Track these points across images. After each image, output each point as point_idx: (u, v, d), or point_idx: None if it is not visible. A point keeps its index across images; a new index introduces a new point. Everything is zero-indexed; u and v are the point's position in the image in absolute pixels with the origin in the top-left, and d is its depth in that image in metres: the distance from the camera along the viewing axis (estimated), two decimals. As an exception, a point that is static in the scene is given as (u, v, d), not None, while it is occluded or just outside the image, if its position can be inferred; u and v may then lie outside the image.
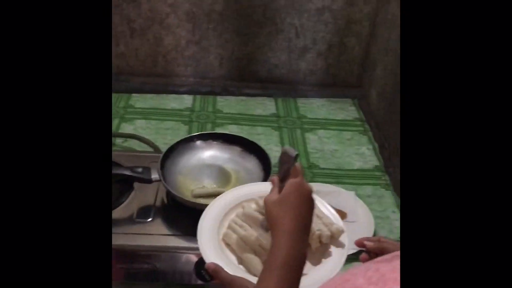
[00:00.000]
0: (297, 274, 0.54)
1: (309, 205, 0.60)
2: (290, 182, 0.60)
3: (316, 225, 0.77)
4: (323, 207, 0.87)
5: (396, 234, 1.06)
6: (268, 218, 0.61)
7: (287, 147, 0.65)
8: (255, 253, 0.76)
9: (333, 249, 0.79)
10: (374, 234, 1.04)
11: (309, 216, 0.59)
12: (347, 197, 1.12)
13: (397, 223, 1.09)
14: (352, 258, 0.84)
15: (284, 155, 0.65)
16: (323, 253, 0.78)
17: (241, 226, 0.78)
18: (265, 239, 0.75)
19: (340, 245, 0.79)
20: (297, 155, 0.63)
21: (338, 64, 1.60)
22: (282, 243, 0.55)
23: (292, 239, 0.55)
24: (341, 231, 0.79)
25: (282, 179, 0.63)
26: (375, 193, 1.18)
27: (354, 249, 0.97)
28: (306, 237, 0.58)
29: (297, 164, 0.63)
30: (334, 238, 0.79)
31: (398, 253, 0.37)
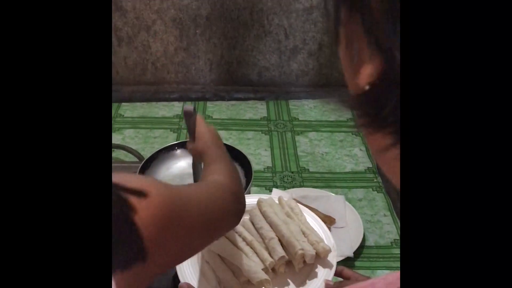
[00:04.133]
0: (227, 155, 0.69)
1: (217, 136, 0.73)
2: (198, 127, 0.72)
3: (300, 244, 0.73)
4: (313, 220, 0.83)
5: (386, 239, 1.02)
6: (197, 157, 0.73)
7: (186, 106, 0.75)
8: (234, 273, 0.73)
9: (319, 269, 0.74)
10: (364, 239, 1.00)
11: (220, 141, 0.73)
12: (336, 202, 1.08)
13: (388, 227, 1.05)
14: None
15: (186, 113, 0.73)
16: (308, 273, 0.74)
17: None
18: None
19: (327, 265, 0.75)
20: (194, 108, 0.74)
21: (330, 63, 1.56)
22: (210, 151, 0.68)
23: (215, 148, 0.69)
24: (328, 251, 0.74)
25: (193, 135, 0.73)
26: (366, 196, 1.13)
27: (342, 256, 0.95)
28: (224, 148, 0.72)
29: (198, 115, 0.74)
30: (320, 258, 0.75)
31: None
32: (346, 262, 0.94)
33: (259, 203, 0.83)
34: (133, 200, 0.40)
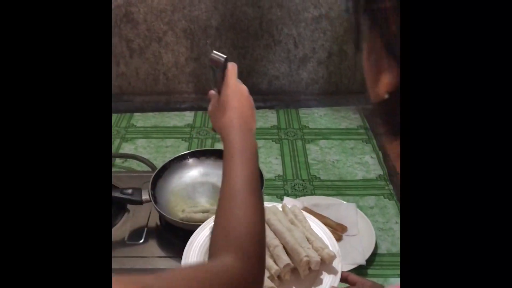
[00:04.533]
0: (254, 159, 0.57)
1: (249, 102, 0.63)
2: (226, 85, 0.61)
3: (305, 250, 0.74)
4: (317, 227, 0.84)
5: (399, 246, 1.02)
6: (215, 125, 0.63)
7: (215, 52, 0.61)
8: None
9: (324, 275, 0.74)
10: (376, 247, 1.00)
11: (251, 112, 0.63)
12: (347, 209, 1.08)
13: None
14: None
15: (214, 62, 0.62)
16: (313, 280, 0.74)
17: None
18: None
19: (332, 271, 0.75)
20: (226, 59, 0.62)
21: (340, 71, 1.57)
22: (233, 139, 0.58)
23: (241, 133, 0.58)
24: (333, 256, 0.75)
25: (219, 90, 0.63)
26: (378, 204, 1.13)
27: (354, 264, 0.95)
28: (253, 128, 0.61)
29: (230, 65, 0.62)
30: (325, 264, 0.75)
31: None
32: (359, 270, 0.94)
33: (262, 211, 0.83)
34: None
